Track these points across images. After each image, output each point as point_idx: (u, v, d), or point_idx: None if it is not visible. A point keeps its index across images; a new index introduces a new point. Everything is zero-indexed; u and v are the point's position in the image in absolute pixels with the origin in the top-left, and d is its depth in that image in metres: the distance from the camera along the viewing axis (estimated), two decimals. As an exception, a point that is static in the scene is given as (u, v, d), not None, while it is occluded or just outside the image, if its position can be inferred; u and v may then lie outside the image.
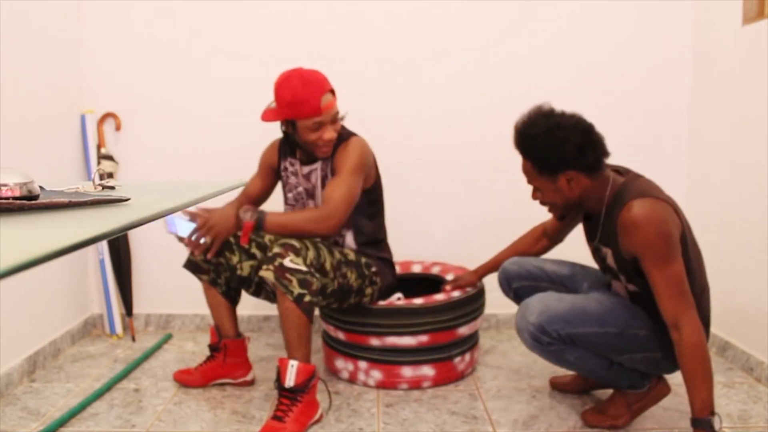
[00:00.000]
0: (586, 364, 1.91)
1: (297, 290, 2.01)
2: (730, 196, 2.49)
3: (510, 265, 2.19)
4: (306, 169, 2.30)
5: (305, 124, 2.15)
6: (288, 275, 2.01)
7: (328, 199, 2.14)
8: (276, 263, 2.02)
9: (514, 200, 2.91)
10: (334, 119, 2.18)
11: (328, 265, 2.14)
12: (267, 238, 2.33)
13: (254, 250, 2.29)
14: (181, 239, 2.23)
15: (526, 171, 1.89)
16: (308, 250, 2.07)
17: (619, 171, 1.89)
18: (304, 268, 2.03)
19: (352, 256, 2.25)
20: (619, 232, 1.77)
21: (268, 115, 2.19)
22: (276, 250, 2.05)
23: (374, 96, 2.87)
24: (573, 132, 1.79)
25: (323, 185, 2.27)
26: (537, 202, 1.93)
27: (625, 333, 1.87)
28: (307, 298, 2.02)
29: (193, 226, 2.18)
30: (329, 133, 2.17)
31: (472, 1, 2.83)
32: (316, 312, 2.86)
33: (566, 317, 1.85)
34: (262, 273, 2.03)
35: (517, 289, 2.17)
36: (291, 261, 2.02)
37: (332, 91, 2.18)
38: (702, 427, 1.69)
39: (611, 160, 1.90)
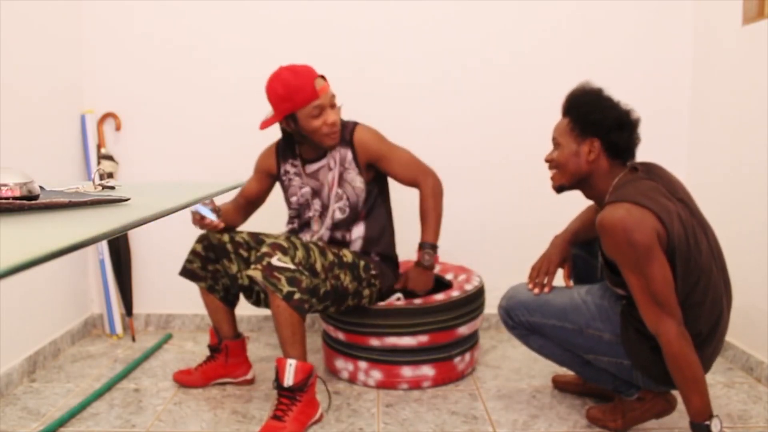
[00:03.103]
0: (551, 353, 2.04)
1: (286, 288, 2.00)
2: (730, 196, 2.49)
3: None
4: (311, 167, 2.29)
5: (306, 112, 2.15)
6: (276, 273, 2.00)
7: (418, 171, 2.29)
8: (264, 262, 2.02)
9: (516, 201, 2.91)
10: (332, 103, 2.19)
11: (318, 266, 2.13)
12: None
13: (255, 255, 2.28)
14: (203, 219, 2.22)
15: (558, 128, 1.92)
16: (297, 250, 2.08)
17: (637, 168, 1.86)
18: (292, 266, 2.02)
19: (349, 257, 2.24)
20: (598, 233, 1.77)
21: (266, 122, 2.20)
22: (264, 249, 2.05)
23: (376, 96, 2.87)
24: (621, 108, 1.86)
25: (340, 183, 2.26)
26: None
27: (585, 332, 1.90)
28: (297, 296, 2.01)
29: (206, 210, 2.19)
30: (332, 116, 2.17)
31: (473, 2, 2.83)
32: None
33: (529, 306, 2.00)
34: (251, 272, 2.03)
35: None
36: (279, 260, 2.02)
37: (323, 77, 2.20)
38: (700, 431, 1.69)
39: None
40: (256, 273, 2.02)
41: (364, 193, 2.28)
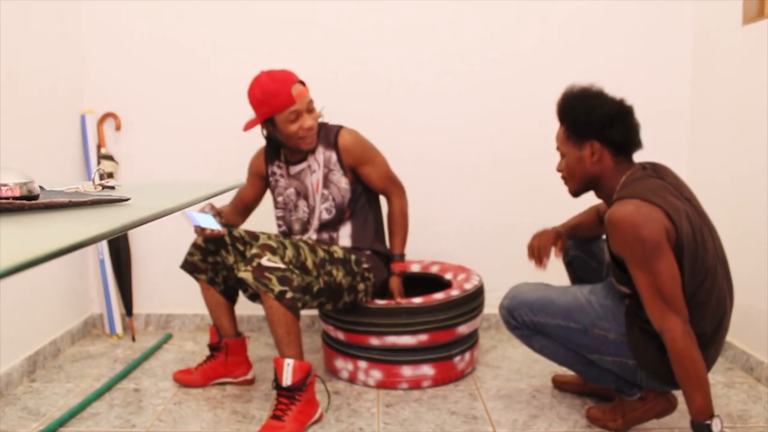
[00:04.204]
0: (554, 353, 2.03)
1: (278, 288, 2.01)
2: (730, 196, 2.49)
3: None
4: (294, 168, 2.33)
5: (283, 116, 2.18)
6: (267, 274, 2.01)
7: (391, 184, 2.38)
8: (254, 264, 2.03)
9: (516, 200, 2.91)
10: (310, 108, 2.22)
11: (309, 264, 2.15)
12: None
13: (249, 253, 2.29)
14: (204, 230, 2.25)
15: (558, 137, 1.92)
16: (286, 249, 2.09)
17: (645, 167, 1.85)
18: (282, 266, 2.04)
19: (340, 253, 2.25)
20: (606, 229, 1.77)
21: (248, 124, 2.24)
22: (254, 251, 2.07)
23: (376, 95, 2.87)
24: (609, 103, 1.84)
25: (326, 184, 2.29)
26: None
27: (589, 331, 1.90)
28: (289, 295, 2.02)
29: (207, 216, 2.20)
30: (308, 121, 2.21)
31: (473, 2, 2.83)
32: (315, 312, 2.87)
33: (532, 305, 1.98)
34: (242, 274, 2.04)
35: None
36: (268, 260, 2.03)
37: (302, 82, 2.23)
38: (700, 431, 1.69)
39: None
40: (246, 275, 2.03)
41: (349, 194, 2.31)
